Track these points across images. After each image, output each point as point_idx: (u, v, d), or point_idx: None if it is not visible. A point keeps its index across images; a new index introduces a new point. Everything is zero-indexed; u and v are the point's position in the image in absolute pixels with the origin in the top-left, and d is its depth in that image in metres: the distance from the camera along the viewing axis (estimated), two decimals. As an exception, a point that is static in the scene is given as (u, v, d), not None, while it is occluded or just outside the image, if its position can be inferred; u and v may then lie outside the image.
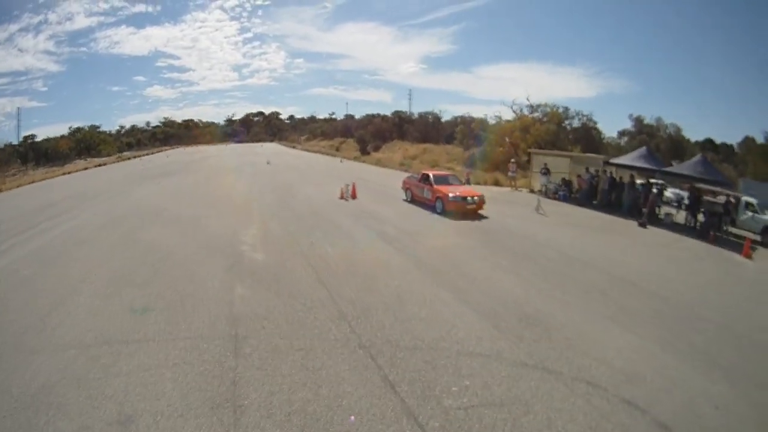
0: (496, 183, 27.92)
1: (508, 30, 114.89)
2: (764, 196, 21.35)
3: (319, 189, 20.77)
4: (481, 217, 16.00)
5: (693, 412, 4.78)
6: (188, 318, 6.33)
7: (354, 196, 18.63)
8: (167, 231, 11.95)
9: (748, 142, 46.65)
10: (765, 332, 7.27)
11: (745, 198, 18.17)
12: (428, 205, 17.06)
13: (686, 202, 18.38)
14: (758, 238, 16.81)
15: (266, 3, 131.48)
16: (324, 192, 19.69)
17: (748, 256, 13.75)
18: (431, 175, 17.82)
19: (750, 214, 17.72)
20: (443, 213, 15.92)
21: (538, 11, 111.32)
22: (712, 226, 16.39)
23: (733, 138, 59.03)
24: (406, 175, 22.86)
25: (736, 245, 15.03)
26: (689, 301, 8.59)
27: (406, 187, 19.23)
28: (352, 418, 4.20)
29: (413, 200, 18.44)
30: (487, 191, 20.31)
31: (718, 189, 17.68)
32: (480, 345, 5.66)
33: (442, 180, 17.64)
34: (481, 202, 16.27)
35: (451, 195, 15.93)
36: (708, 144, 49.15)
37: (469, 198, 16.04)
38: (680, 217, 18.40)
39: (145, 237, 11.53)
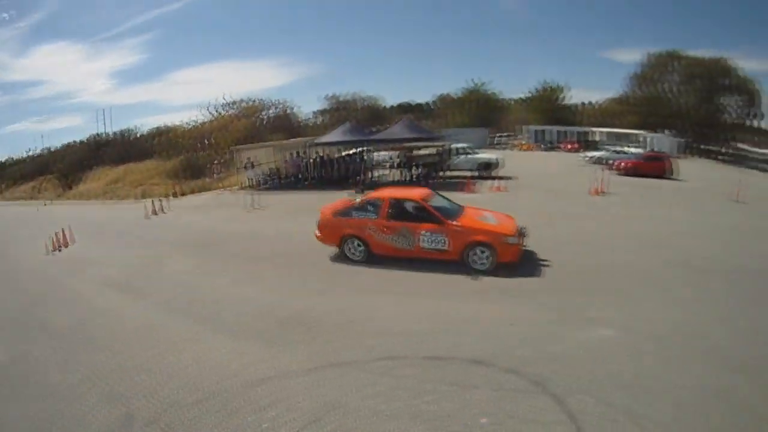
0: (204, 188, 24.39)
1: (198, 32, 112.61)
2: (466, 138, 25.22)
3: (25, 246, 15.94)
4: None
5: (495, 337, 5.18)
6: None
7: (66, 245, 14.32)
8: None
9: (443, 97, 52.81)
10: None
11: (455, 144, 20.06)
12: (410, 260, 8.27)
13: (396, 161, 19.14)
14: (476, 173, 18.74)
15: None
16: (30, 249, 14.97)
17: (472, 191, 15.18)
18: (419, 203, 8.45)
19: (463, 156, 19.36)
20: (487, 269, 7.68)
21: (225, 12, 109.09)
22: (427, 175, 17.51)
23: (425, 97, 63.88)
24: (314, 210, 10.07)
25: (456, 184, 16.34)
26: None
27: (349, 234, 8.65)
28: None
29: (372, 254, 8.53)
30: (198, 199, 19.41)
31: (427, 144, 19.06)
32: (258, 367, 5.17)
33: (440, 206, 8.67)
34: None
35: (504, 233, 7.94)
36: (405, 107, 52.60)
37: (522, 228, 8.45)
38: (393, 175, 18.92)
39: None
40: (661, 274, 7.18)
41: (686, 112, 45.22)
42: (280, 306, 6.90)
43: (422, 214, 8.17)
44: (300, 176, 20.16)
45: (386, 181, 17.89)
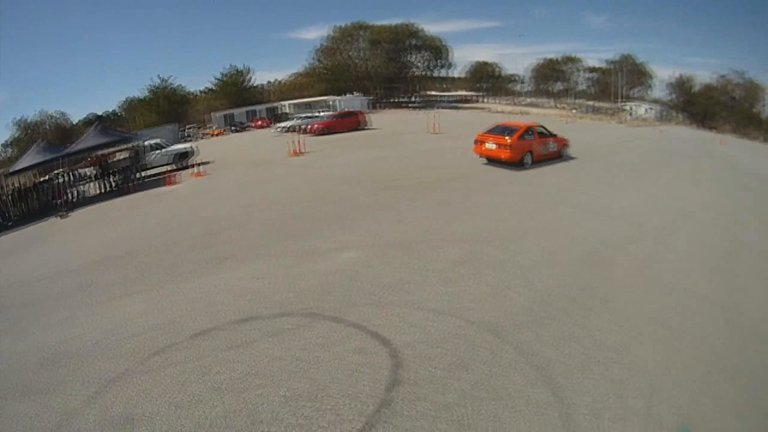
0: None
1: None
2: (157, 136, 25.96)
3: None
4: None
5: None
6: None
7: None
8: None
9: (131, 101, 53.80)
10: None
11: (147, 142, 20.38)
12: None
13: (94, 173, 18.86)
14: (173, 166, 19.50)
15: None
16: None
17: (174, 183, 16.08)
18: (543, 127, 15.89)
19: (158, 151, 20.06)
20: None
21: None
22: (126, 179, 17.67)
23: (111, 105, 67.50)
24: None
25: (157, 181, 16.95)
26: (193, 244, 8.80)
27: (526, 150, 14.64)
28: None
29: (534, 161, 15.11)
30: None
31: (121, 147, 18.98)
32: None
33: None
34: None
35: (568, 139, 17.19)
36: (93, 118, 53.86)
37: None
38: (95, 188, 18.62)
39: None
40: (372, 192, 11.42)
41: (374, 72, 53.95)
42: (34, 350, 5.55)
43: (547, 132, 15.48)
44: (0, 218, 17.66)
45: (88, 197, 17.69)
